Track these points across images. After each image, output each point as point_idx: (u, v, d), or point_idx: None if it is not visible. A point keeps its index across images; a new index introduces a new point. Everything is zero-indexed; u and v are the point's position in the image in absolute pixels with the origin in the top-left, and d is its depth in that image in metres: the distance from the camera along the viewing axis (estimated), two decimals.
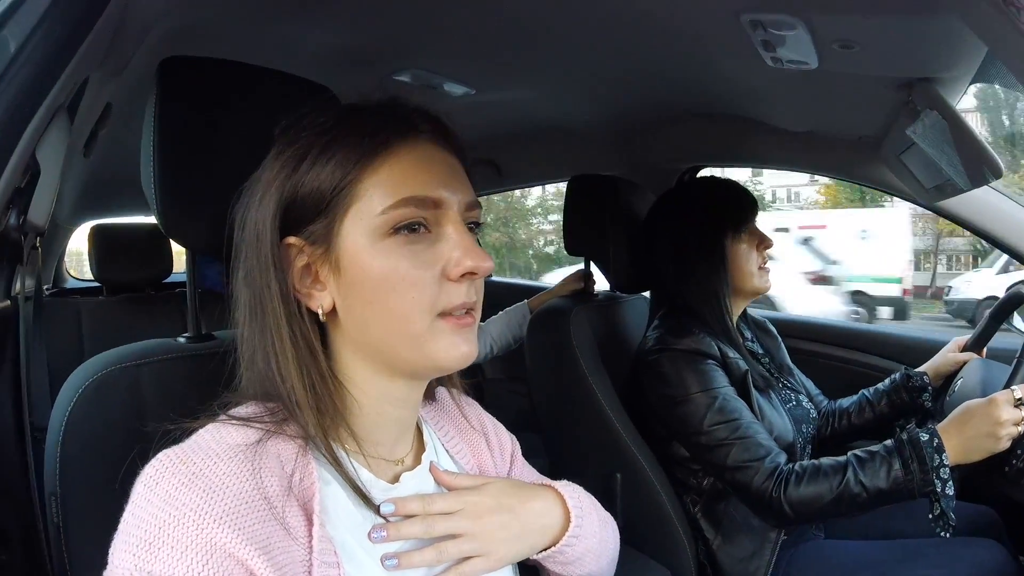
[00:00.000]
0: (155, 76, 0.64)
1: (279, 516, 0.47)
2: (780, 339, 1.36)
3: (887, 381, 1.30)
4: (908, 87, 0.98)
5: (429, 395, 0.66)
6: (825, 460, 1.00)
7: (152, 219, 0.67)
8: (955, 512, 1.20)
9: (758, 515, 1.06)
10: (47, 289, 2.39)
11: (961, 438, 0.92)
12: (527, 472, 0.74)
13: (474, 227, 0.56)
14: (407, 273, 0.51)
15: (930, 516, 0.92)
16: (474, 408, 0.72)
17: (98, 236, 2.12)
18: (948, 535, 0.90)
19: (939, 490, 0.90)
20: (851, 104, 1.16)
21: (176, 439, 0.50)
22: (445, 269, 0.52)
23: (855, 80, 1.02)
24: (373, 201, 0.51)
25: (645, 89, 1.31)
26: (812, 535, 1.20)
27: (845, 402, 1.35)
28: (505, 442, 0.72)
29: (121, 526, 0.45)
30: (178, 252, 2.32)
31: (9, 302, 1.86)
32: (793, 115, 1.32)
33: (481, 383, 0.70)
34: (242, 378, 0.54)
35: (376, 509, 0.53)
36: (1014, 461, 0.93)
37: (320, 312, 0.53)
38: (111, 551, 0.45)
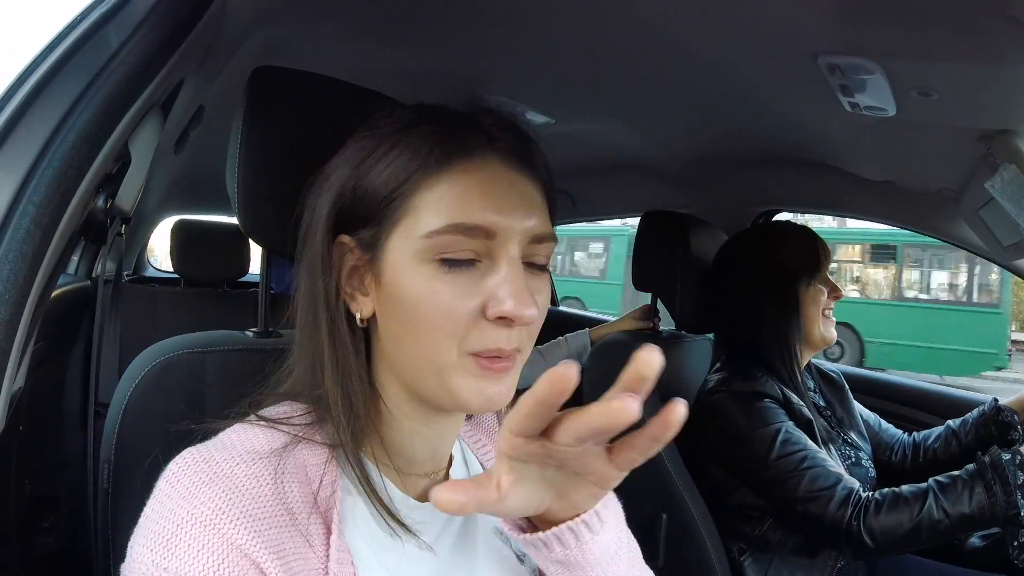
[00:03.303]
0: (246, 84, 0.67)
1: (299, 524, 0.47)
2: (848, 391, 1.33)
3: (975, 412, 1.24)
4: (988, 139, 0.98)
5: None
6: (905, 487, 0.97)
7: (234, 220, 0.73)
8: None
9: (834, 547, 1.03)
10: (127, 275, 2.53)
11: None
12: None
13: (536, 266, 0.51)
14: (442, 302, 0.46)
15: (1015, 544, 0.88)
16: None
17: (181, 231, 2.29)
18: None
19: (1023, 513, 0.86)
20: (930, 155, 1.16)
21: (205, 436, 0.50)
22: (484, 307, 0.47)
23: (934, 130, 1.03)
24: (421, 220, 0.47)
25: (721, 130, 1.35)
26: None
27: (929, 435, 1.29)
28: None
29: (141, 520, 0.45)
30: (255, 254, 2.51)
31: (89, 283, 2.05)
32: (871, 163, 1.33)
33: None
34: (288, 376, 0.54)
35: (401, 524, 0.50)
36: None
37: (358, 317, 0.51)
38: (130, 544, 0.44)
